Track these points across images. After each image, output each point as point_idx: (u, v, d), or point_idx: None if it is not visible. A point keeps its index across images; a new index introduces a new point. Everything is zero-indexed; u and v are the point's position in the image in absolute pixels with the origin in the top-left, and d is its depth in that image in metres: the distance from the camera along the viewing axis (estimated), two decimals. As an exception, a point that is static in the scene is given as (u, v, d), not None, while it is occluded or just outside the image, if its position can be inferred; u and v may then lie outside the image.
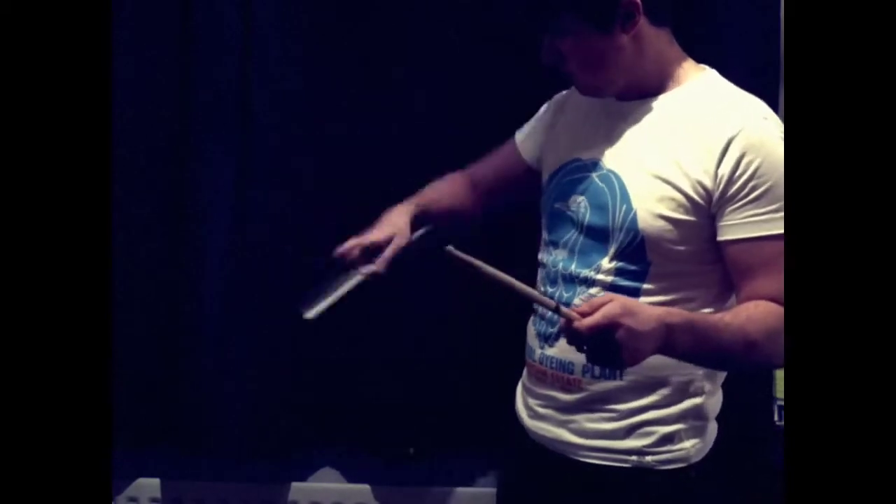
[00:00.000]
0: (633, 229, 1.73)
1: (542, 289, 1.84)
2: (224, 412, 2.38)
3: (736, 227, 1.69)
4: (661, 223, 1.71)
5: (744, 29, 2.26)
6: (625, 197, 1.74)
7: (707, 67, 1.82)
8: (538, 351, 1.84)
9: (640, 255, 1.74)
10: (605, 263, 1.76)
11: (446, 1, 2.30)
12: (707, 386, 1.79)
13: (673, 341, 1.60)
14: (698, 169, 1.69)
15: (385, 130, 2.35)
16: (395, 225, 1.93)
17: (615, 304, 1.57)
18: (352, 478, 2.48)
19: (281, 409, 2.40)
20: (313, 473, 2.48)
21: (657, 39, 1.76)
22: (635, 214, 1.73)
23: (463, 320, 2.37)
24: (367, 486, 2.45)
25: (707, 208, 1.70)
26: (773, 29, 2.26)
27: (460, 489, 2.45)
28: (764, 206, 1.67)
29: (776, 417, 2.32)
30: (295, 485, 2.46)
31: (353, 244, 1.90)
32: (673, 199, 1.71)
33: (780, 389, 2.31)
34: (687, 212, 1.70)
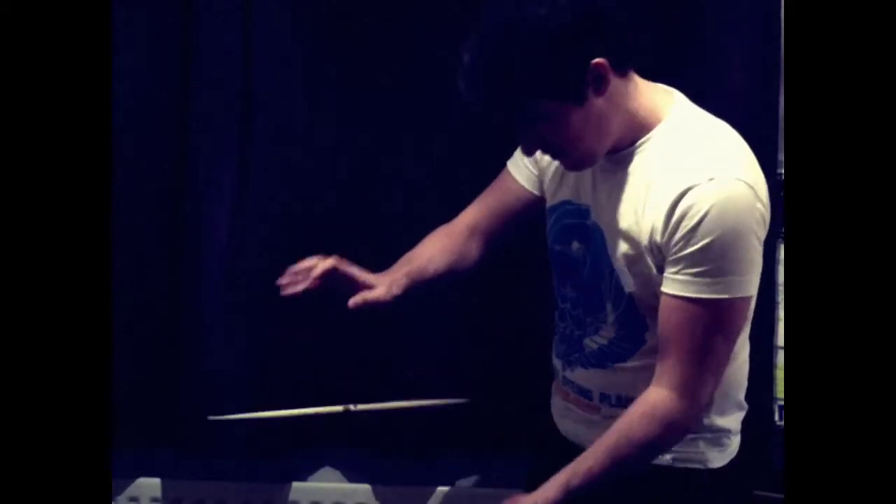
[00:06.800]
0: (620, 288, 1.74)
1: (557, 322, 1.87)
2: (224, 412, 2.37)
3: (665, 280, 1.67)
4: (639, 281, 1.71)
5: (744, 29, 2.26)
6: (607, 259, 1.74)
7: (674, 95, 1.76)
8: (560, 373, 1.87)
9: (632, 311, 1.74)
10: (608, 315, 1.77)
11: (448, 2, 2.29)
12: (723, 408, 1.80)
13: (581, 494, 1.70)
14: (655, 226, 1.67)
15: (386, 131, 2.35)
16: (379, 280, 1.89)
17: None
18: (352, 478, 2.48)
19: (281, 408, 2.39)
20: (313, 473, 2.48)
21: (627, 88, 1.69)
22: (617, 274, 1.73)
23: (464, 320, 2.37)
24: (367, 486, 2.45)
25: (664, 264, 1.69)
26: (773, 29, 2.26)
27: (460, 489, 2.44)
28: (689, 267, 1.64)
29: (776, 417, 2.32)
30: (295, 485, 2.46)
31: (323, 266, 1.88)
32: (641, 258, 1.70)
33: (780, 389, 2.31)
34: (652, 269, 1.69)
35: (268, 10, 2.29)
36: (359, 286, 1.88)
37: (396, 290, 1.89)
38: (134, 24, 2.28)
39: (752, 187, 1.64)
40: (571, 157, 1.72)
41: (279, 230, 2.35)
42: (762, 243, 1.69)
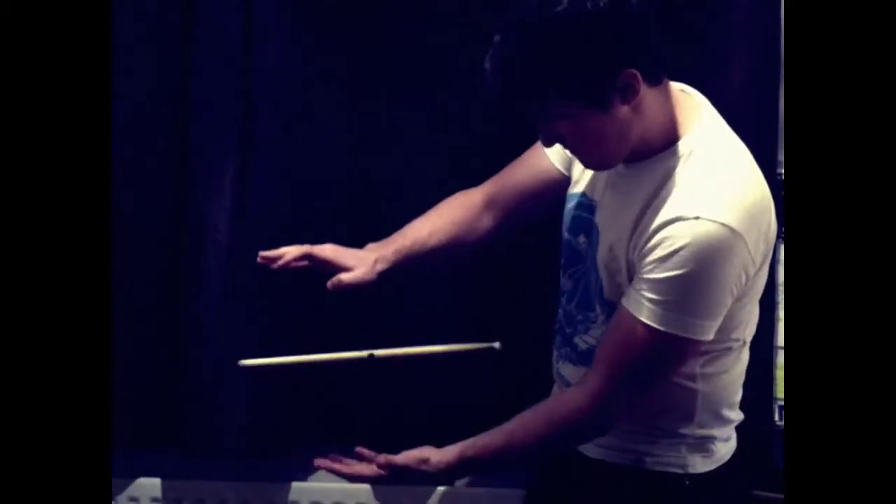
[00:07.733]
0: (602, 294, 1.74)
1: (557, 315, 1.87)
2: (224, 412, 2.38)
3: (627, 292, 1.67)
4: (618, 291, 1.70)
5: (744, 29, 2.26)
6: (594, 263, 1.74)
7: (702, 109, 1.72)
8: (554, 365, 1.87)
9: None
10: (598, 316, 1.76)
11: (450, 2, 2.30)
12: (705, 422, 1.78)
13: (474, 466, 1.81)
14: (636, 243, 1.66)
15: (387, 131, 2.35)
16: (361, 258, 1.89)
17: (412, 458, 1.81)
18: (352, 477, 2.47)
19: (281, 409, 2.39)
20: (313, 473, 2.48)
21: (656, 98, 1.66)
22: (601, 283, 1.74)
23: (464, 320, 2.37)
24: (367, 486, 2.45)
25: None
26: (773, 29, 2.26)
27: (459, 489, 2.44)
28: (649, 291, 1.63)
29: (776, 417, 2.33)
30: (295, 485, 2.46)
31: (297, 250, 1.88)
32: (620, 270, 1.70)
33: (780, 389, 2.31)
34: (627, 283, 1.69)
35: (268, 10, 2.29)
36: (337, 269, 1.87)
37: (381, 266, 1.89)
38: (134, 23, 2.29)
39: (737, 233, 1.61)
40: (588, 158, 1.70)
41: (279, 229, 2.35)
42: (736, 293, 1.66)
